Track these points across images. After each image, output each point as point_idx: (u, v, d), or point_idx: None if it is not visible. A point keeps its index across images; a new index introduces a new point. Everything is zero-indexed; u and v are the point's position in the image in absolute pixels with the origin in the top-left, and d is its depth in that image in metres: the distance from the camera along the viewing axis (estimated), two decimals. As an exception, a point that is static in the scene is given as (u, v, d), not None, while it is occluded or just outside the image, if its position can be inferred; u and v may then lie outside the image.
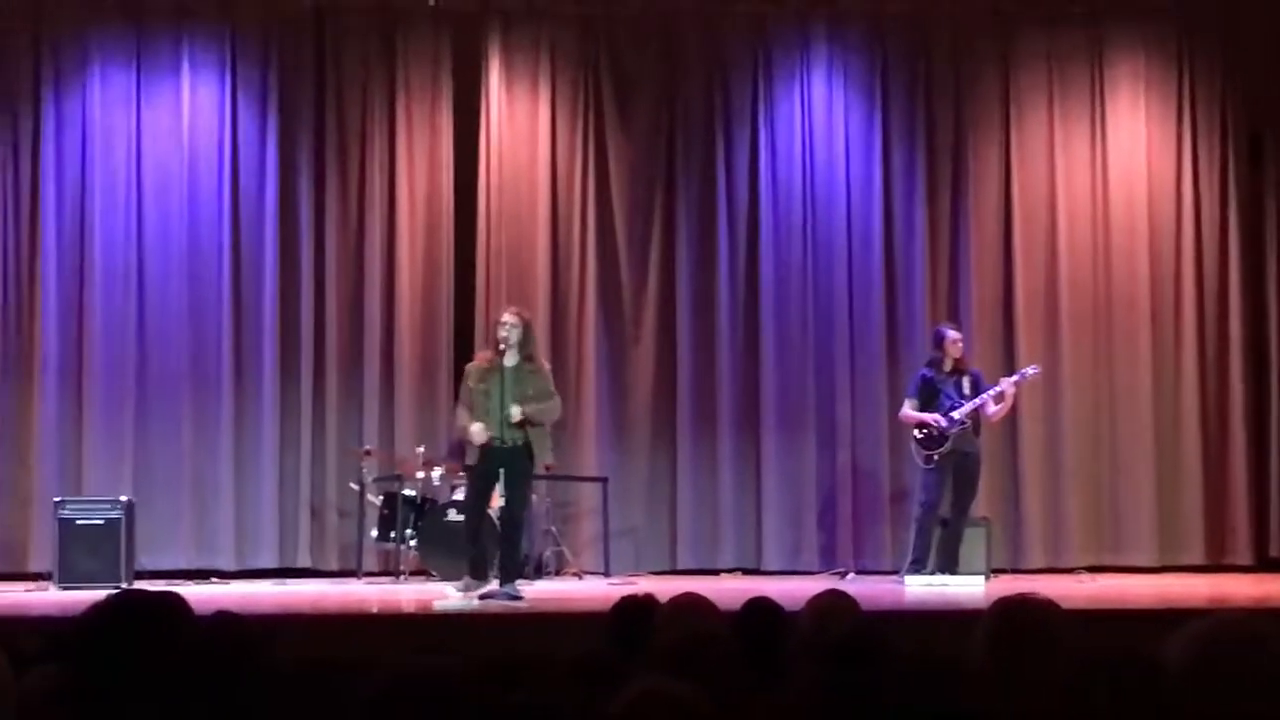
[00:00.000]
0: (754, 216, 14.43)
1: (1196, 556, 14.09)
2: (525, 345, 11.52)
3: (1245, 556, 14.11)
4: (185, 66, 14.20)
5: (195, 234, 14.13)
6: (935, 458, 12.76)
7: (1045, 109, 14.55)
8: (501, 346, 11.46)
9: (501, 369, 11.41)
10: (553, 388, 11.67)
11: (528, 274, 14.29)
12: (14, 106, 14.09)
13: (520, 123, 14.45)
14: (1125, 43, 14.57)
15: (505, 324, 11.54)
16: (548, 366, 11.99)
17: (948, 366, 12.89)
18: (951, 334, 13.02)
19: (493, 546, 11.70)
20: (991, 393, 12.87)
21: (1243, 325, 14.39)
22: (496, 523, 11.94)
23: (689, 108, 14.51)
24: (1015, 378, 13.17)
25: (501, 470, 11.47)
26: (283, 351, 14.16)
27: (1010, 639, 3.74)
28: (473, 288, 14.27)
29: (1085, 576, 13.44)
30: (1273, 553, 14.11)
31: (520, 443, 11.36)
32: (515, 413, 11.32)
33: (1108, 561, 13.99)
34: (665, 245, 14.46)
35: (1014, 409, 13.68)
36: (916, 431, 12.87)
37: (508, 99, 14.43)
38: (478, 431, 11.34)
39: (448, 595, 11.42)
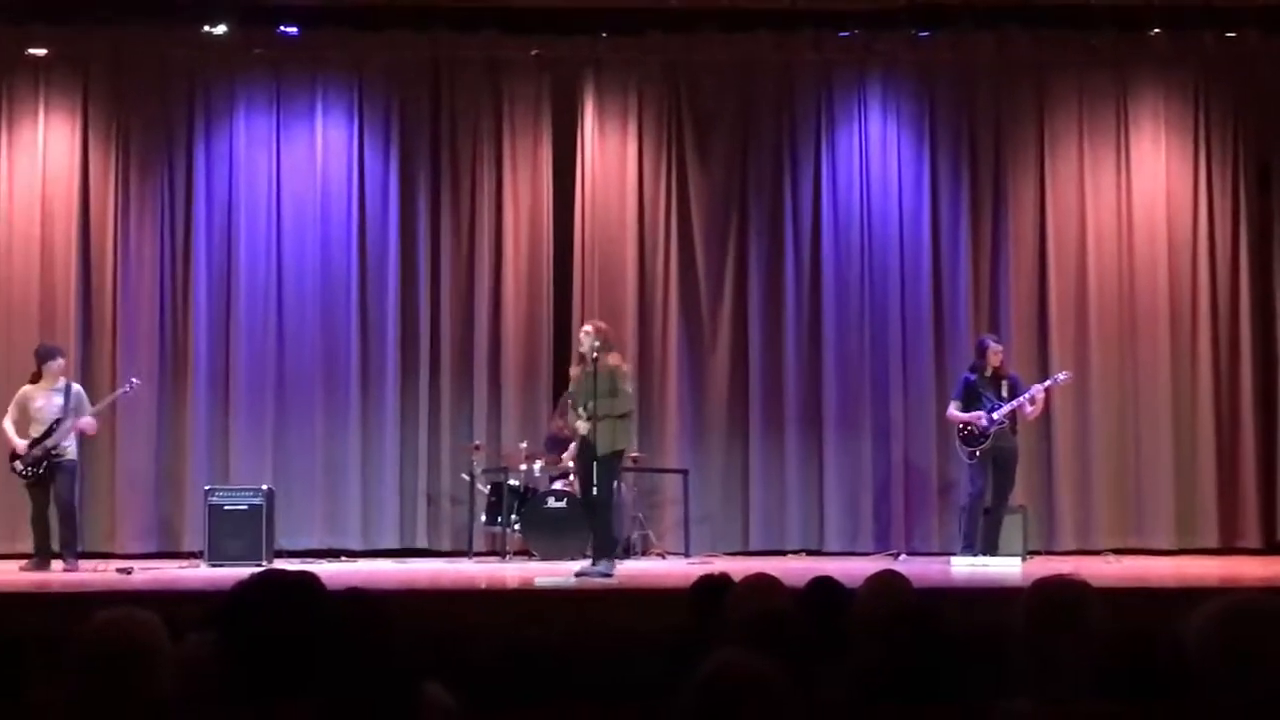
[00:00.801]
0: (817, 239, 14.38)
1: (1210, 540, 13.98)
2: (600, 350, 11.61)
3: (1255, 540, 13.98)
4: (319, 110, 14.29)
5: (327, 255, 14.21)
6: (978, 454, 12.69)
7: (1076, 143, 14.45)
8: (588, 357, 11.62)
9: (594, 374, 11.55)
10: (624, 385, 11.71)
11: (617, 291, 14.29)
12: (172, 145, 14.21)
13: (611, 157, 14.46)
14: (1147, 85, 14.47)
15: (583, 339, 11.82)
16: (625, 367, 12.02)
17: (988, 372, 12.82)
18: (993, 344, 12.98)
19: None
20: (1026, 396, 12.80)
21: (1252, 334, 14.28)
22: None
23: (760, 144, 14.47)
24: (1048, 382, 13.12)
25: (593, 462, 11.57)
26: (403, 358, 14.20)
27: (1047, 613, 3.75)
28: (569, 303, 14.27)
29: (1111, 558, 13.33)
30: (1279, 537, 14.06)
31: (598, 438, 11.48)
32: (582, 427, 11.55)
33: (1131, 544, 13.88)
34: (738, 265, 14.42)
35: (1047, 409, 13.63)
36: (960, 430, 12.85)
37: (600, 137, 14.44)
38: (580, 425, 11.61)
39: (565, 572, 11.48)
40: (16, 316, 13.82)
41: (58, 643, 3.47)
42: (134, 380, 13.07)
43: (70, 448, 12.47)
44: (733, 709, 3.02)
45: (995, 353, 12.92)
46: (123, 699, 3.33)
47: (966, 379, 12.96)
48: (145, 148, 14.21)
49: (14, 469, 12.47)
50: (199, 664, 3.58)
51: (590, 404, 11.46)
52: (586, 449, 11.60)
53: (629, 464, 13.05)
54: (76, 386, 12.72)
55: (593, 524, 11.70)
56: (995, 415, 12.68)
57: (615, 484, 12.07)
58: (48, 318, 13.85)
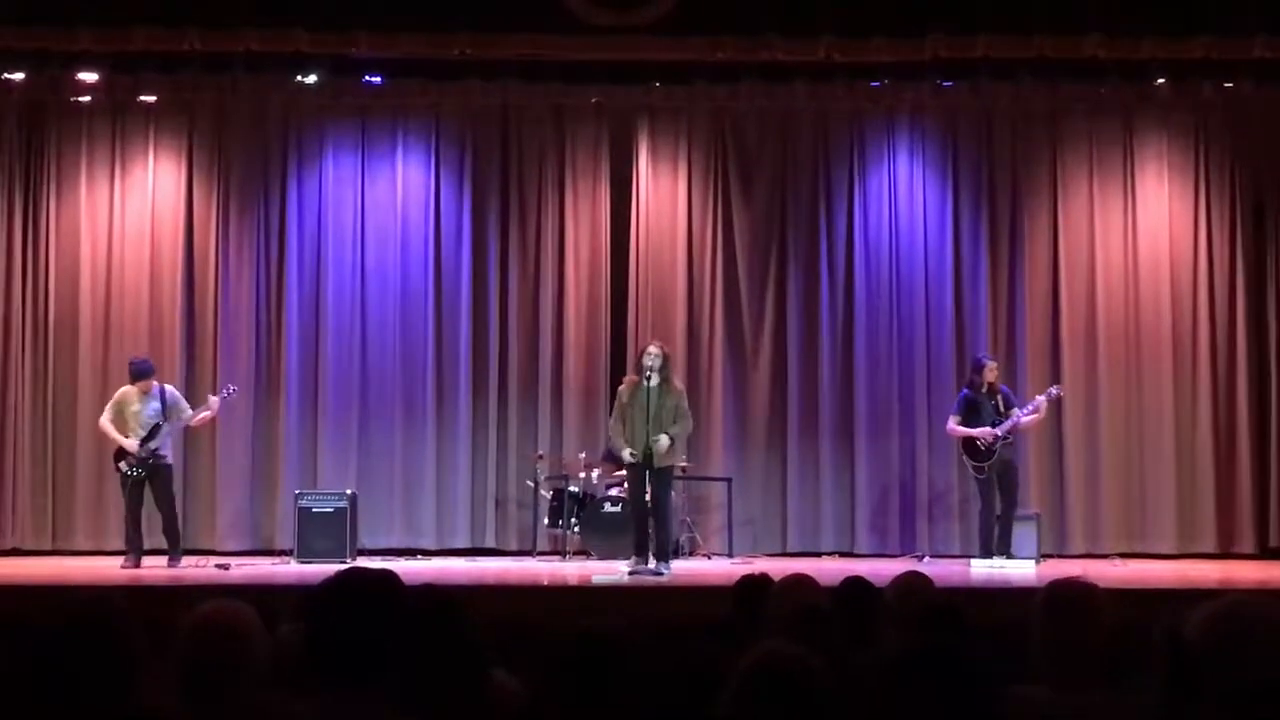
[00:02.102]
0: (850, 269, 14.37)
1: (1209, 545, 13.88)
2: (664, 371, 11.65)
3: (1249, 546, 13.87)
4: (400, 152, 14.36)
5: (406, 282, 14.26)
6: (985, 468, 12.67)
7: (1086, 183, 14.42)
8: (647, 373, 11.61)
9: (646, 390, 11.56)
10: (685, 405, 11.75)
11: (668, 314, 14.30)
12: (268, 183, 14.33)
13: (663, 194, 14.49)
14: (1152, 130, 14.42)
15: (650, 354, 11.69)
16: (682, 387, 12.05)
17: (984, 388, 12.78)
18: (990, 362, 12.96)
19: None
20: (1028, 409, 12.80)
21: (1247, 357, 14.17)
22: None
23: (797, 184, 14.47)
24: (1043, 397, 13.08)
25: (647, 471, 11.59)
26: (474, 376, 14.23)
27: (1061, 611, 3.77)
28: (625, 325, 14.30)
29: (1118, 561, 13.27)
30: (1273, 542, 13.88)
31: (655, 453, 11.46)
32: (664, 442, 11.46)
33: (1136, 549, 13.81)
34: (778, 293, 14.41)
35: (1059, 422, 13.73)
36: (968, 448, 12.78)
37: (653, 176, 14.47)
38: (628, 455, 11.58)
39: (618, 570, 11.49)
40: (128, 337, 13.91)
41: (164, 630, 3.49)
42: (233, 387, 13.09)
43: (167, 451, 12.41)
44: (776, 693, 3.03)
45: (991, 369, 12.90)
46: (222, 681, 3.35)
47: (965, 394, 12.91)
48: (244, 185, 14.32)
49: (119, 468, 12.38)
50: (290, 651, 3.60)
51: (663, 437, 11.43)
52: (642, 461, 11.57)
53: (679, 473, 13.05)
54: (170, 388, 12.63)
55: (647, 528, 11.64)
56: (999, 430, 12.61)
57: (671, 491, 12.05)
58: (155, 338, 13.93)
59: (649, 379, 11.56)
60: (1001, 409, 12.74)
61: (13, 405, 14.00)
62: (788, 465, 14.29)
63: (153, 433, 12.32)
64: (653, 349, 11.77)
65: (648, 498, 11.69)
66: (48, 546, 13.73)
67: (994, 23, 12.15)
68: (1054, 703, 3.59)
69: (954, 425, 12.88)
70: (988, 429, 12.64)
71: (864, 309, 14.33)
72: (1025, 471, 13.42)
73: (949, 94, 13.93)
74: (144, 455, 12.28)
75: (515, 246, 14.42)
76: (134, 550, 12.24)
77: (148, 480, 12.34)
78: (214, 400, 12.76)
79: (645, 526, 11.66)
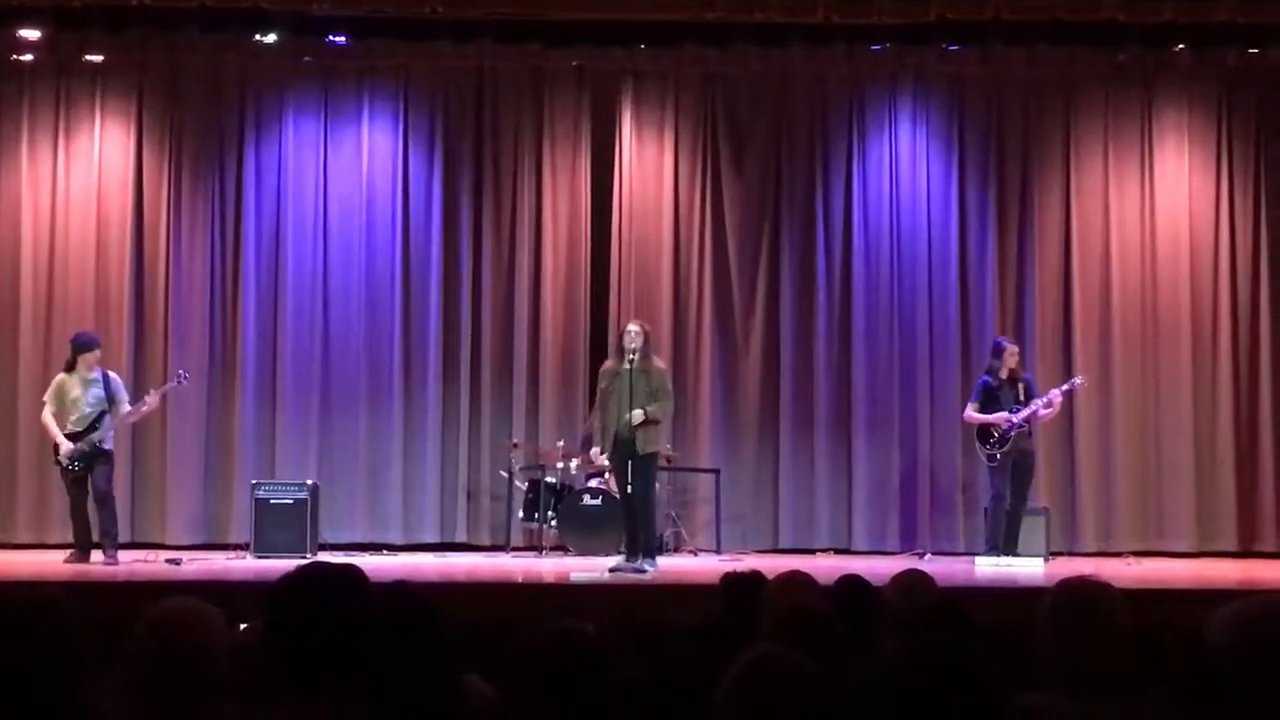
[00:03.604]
0: (847, 247, 14.36)
1: (1229, 543, 13.92)
2: (646, 351, 11.72)
3: (1273, 544, 13.91)
4: (366, 117, 14.31)
5: (372, 257, 14.23)
6: (999, 456, 12.65)
7: (1101, 156, 14.43)
8: (630, 355, 11.64)
9: (629, 372, 11.59)
10: (669, 386, 11.80)
11: (653, 294, 14.29)
12: (223, 149, 14.26)
13: (648, 165, 14.46)
14: (1171, 100, 14.43)
15: (630, 333, 11.73)
16: (664, 366, 12.10)
17: (1004, 374, 12.76)
18: (1010, 346, 12.92)
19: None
20: (1044, 400, 12.78)
21: (1271, 342, 14.22)
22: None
23: (792, 154, 14.45)
24: (1065, 386, 13.11)
25: (629, 461, 11.62)
26: (444, 357, 14.21)
27: (1071, 613, 3.77)
28: (606, 305, 14.28)
29: (1132, 559, 13.29)
30: (1296, 540, 13.97)
31: (637, 438, 11.52)
32: (637, 415, 11.50)
33: (1152, 546, 13.85)
34: (771, 270, 14.41)
35: (1070, 413, 13.74)
36: (981, 434, 12.80)
37: (637, 145, 14.44)
38: (596, 454, 11.77)
39: (599, 567, 11.51)
40: (73, 315, 13.84)
41: (115, 632, 3.48)
42: (183, 373, 12.94)
43: (107, 437, 12.27)
44: (770, 701, 3.03)
45: (1011, 355, 12.87)
46: (180, 686, 3.35)
47: (984, 381, 12.89)
48: (197, 151, 14.26)
49: (58, 463, 12.24)
50: (250, 654, 3.60)
51: (636, 411, 11.48)
52: (622, 448, 11.61)
53: (663, 463, 13.07)
54: (113, 375, 12.46)
55: (636, 522, 11.67)
56: (1015, 418, 12.63)
57: (654, 482, 12.05)
58: (102, 316, 13.87)
59: (631, 360, 11.59)
60: (1022, 397, 12.75)
61: (-52, 388, 13.96)
62: (780, 456, 14.30)
63: (95, 423, 12.15)
64: (633, 328, 11.80)
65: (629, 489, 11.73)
66: (-13, 539, 13.70)
67: (1005, -17, 12.19)
68: (1064, 711, 3.58)
69: (971, 413, 12.87)
70: (1003, 414, 12.65)
71: (862, 290, 14.32)
72: (1035, 463, 13.40)
73: (956, 59, 13.98)
74: (84, 449, 12.11)
75: (489, 221, 14.38)
76: (80, 545, 12.15)
77: (88, 471, 12.19)
78: (152, 396, 12.57)
79: (633, 521, 11.70)
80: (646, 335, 11.80)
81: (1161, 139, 14.45)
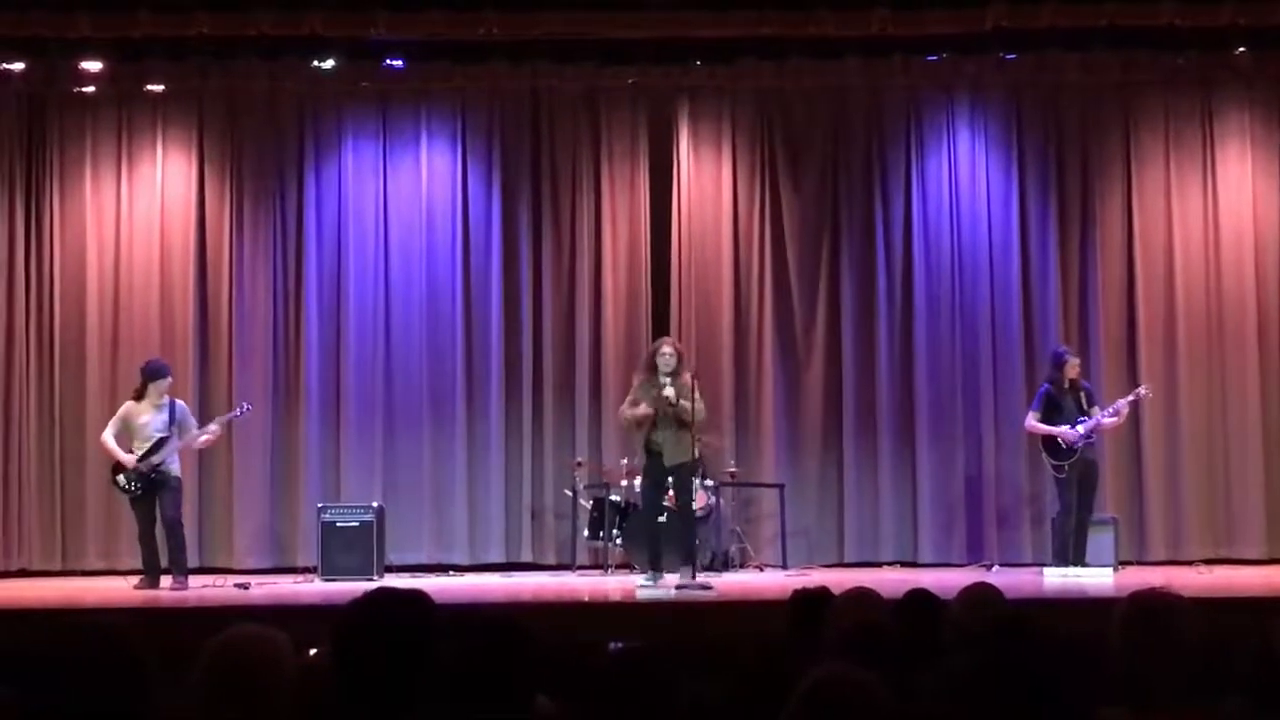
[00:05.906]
0: (908, 257, 14.32)
1: (1301, 550, 13.81)
2: (679, 369, 12.01)
3: (1346, 549, 13.77)
4: (424, 139, 14.36)
5: (433, 279, 14.28)
6: (1065, 467, 12.61)
7: (1162, 161, 14.32)
8: (665, 376, 11.91)
9: (659, 385, 11.91)
10: (698, 394, 11.98)
11: (713, 310, 14.30)
12: (283, 175, 14.36)
13: (706, 181, 14.44)
14: (1232, 103, 14.30)
15: (665, 354, 12.07)
16: (689, 376, 12.14)
17: (1065, 384, 12.72)
18: (1070, 357, 12.87)
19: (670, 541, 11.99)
20: (1111, 410, 12.76)
21: (1339, 346, 14.10)
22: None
23: (850, 166, 14.43)
24: (1131, 396, 13.07)
25: (669, 476, 11.84)
26: (507, 378, 14.23)
27: (1142, 625, 3.72)
28: (667, 321, 14.24)
29: (1202, 568, 13.18)
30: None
31: (670, 448, 11.85)
32: (670, 393, 11.80)
33: (1222, 554, 13.74)
34: (831, 283, 14.37)
35: (1137, 423, 13.68)
36: (1048, 447, 12.73)
37: (695, 161, 14.43)
38: (668, 391, 11.90)
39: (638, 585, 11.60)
40: (138, 344, 13.94)
41: (182, 658, 3.50)
42: (246, 405, 13.04)
43: (174, 465, 12.38)
44: (837, 718, 3.02)
45: (1072, 365, 12.84)
46: (247, 714, 3.35)
47: (1045, 390, 12.84)
48: (258, 177, 14.37)
49: (116, 483, 12.36)
50: (318, 679, 3.60)
51: (669, 389, 11.83)
52: (656, 461, 11.89)
53: (726, 478, 13.07)
54: (180, 403, 12.61)
55: (690, 536, 11.73)
56: (1083, 430, 12.57)
57: (691, 494, 12.30)
58: (167, 345, 13.95)
59: (668, 381, 11.84)
60: (1084, 406, 12.69)
61: (17, 417, 14.10)
62: (844, 469, 14.26)
63: (156, 447, 12.27)
64: (666, 350, 12.10)
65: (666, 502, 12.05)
66: (57, 567, 13.83)
67: (1060, -11, 12.15)
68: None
69: (1033, 422, 12.82)
70: (1069, 429, 12.58)
71: (924, 300, 14.28)
72: (1101, 473, 13.33)
73: (1012, 67, 13.92)
74: (144, 470, 12.24)
75: (549, 239, 14.42)
76: (150, 571, 12.26)
77: (154, 497, 12.30)
78: (214, 426, 12.73)
79: (690, 534, 11.78)
80: (680, 356, 12.12)
81: (1223, 143, 14.34)
